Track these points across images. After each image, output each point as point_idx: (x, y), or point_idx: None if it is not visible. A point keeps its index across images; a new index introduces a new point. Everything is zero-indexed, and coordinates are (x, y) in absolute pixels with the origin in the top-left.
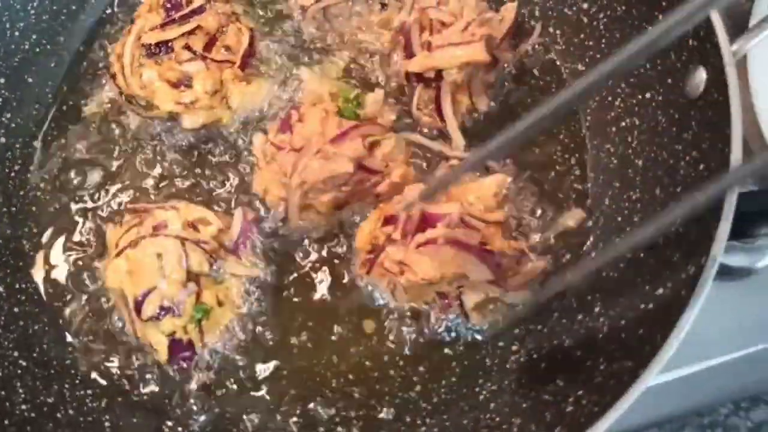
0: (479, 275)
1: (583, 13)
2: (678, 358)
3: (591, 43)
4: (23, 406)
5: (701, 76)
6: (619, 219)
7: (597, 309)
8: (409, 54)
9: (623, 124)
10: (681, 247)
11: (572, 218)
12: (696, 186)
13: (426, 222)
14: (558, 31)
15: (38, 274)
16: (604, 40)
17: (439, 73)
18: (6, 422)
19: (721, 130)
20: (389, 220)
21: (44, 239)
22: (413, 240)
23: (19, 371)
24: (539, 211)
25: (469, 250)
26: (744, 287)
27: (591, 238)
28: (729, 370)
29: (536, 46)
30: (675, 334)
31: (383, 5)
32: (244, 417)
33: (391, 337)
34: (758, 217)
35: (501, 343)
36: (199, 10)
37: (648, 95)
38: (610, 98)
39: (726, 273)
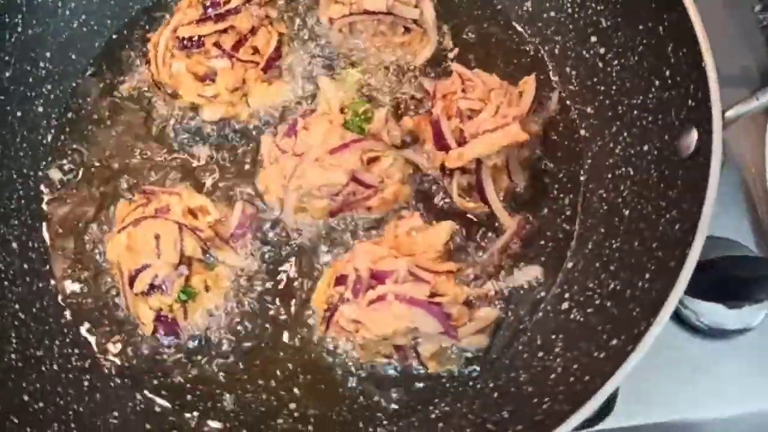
0: (429, 328)
1: (599, 57)
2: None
3: (602, 88)
4: (13, 356)
5: (693, 136)
6: (597, 265)
7: (557, 349)
8: (441, 145)
9: (618, 172)
10: (642, 303)
11: (529, 274)
12: (668, 246)
13: (376, 279)
14: (573, 72)
15: (48, 235)
16: (614, 87)
17: (477, 160)
18: None
19: (702, 195)
20: (340, 280)
21: (60, 200)
22: (365, 298)
23: (16, 323)
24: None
25: (417, 305)
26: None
27: (564, 285)
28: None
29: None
30: (603, 389)
31: (407, 29)
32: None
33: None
34: (755, 283)
35: (465, 368)
36: (235, 11)
37: (646, 147)
38: (611, 145)
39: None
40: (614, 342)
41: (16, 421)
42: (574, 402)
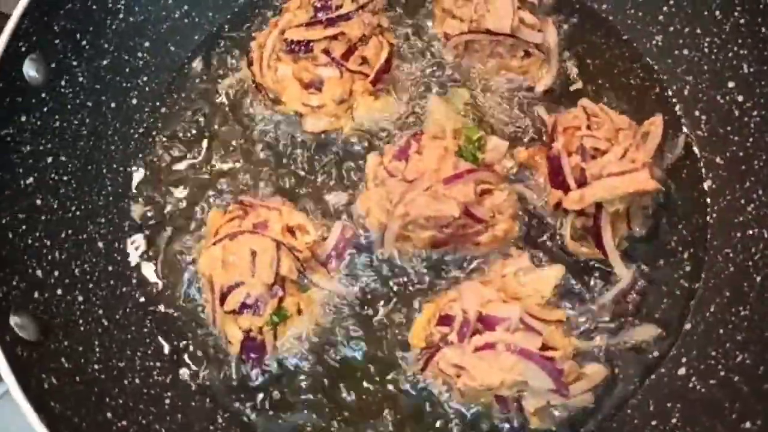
0: (540, 383)
1: (736, 105)
2: None
3: (736, 138)
4: (96, 366)
5: None
6: (721, 331)
7: (674, 420)
8: (557, 182)
9: (750, 232)
10: None
11: (646, 333)
12: None
13: (484, 324)
14: (704, 117)
15: (135, 237)
16: (751, 140)
17: (597, 204)
18: (77, 379)
19: None
20: (444, 320)
21: (148, 201)
22: (471, 343)
23: (100, 330)
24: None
25: (530, 358)
26: None
27: (681, 348)
28: None
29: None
30: None
31: (527, 53)
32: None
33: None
34: None
35: (568, 427)
36: (346, 17)
37: None
38: (742, 201)
39: None
40: (748, 425)
41: None
42: None
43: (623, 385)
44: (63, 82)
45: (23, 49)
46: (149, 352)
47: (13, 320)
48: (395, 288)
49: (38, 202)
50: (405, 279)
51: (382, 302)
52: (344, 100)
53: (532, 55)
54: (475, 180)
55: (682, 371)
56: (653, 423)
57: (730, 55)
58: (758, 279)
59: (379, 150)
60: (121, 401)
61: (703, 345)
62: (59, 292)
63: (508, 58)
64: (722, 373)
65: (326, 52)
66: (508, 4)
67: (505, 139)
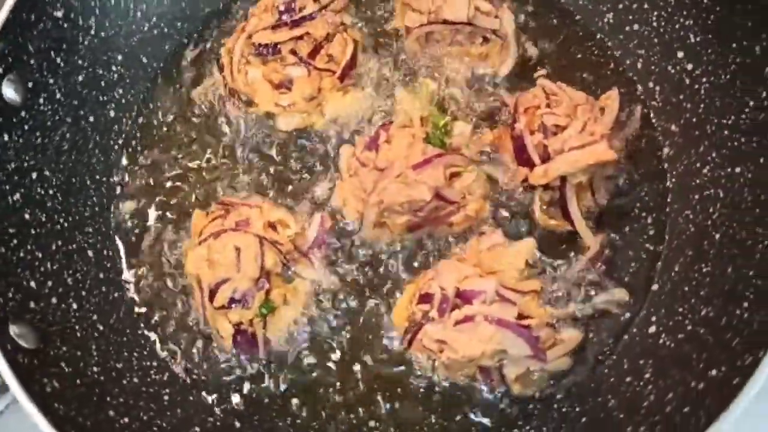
0: (518, 351)
1: (686, 73)
2: None
3: (688, 105)
4: (95, 368)
5: None
6: (686, 289)
7: (647, 375)
8: (523, 160)
9: (707, 193)
10: (742, 334)
11: (613, 296)
12: None
13: (462, 298)
14: (657, 88)
15: (121, 244)
16: (702, 105)
17: (562, 177)
18: (78, 381)
19: None
20: (424, 298)
21: (133, 208)
22: (451, 317)
23: (96, 334)
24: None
25: (507, 327)
26: None
27: (650, 308)
28: None
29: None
30: (721, 419)
31: (485, 39)
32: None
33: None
34: None
35: (548, 391)
36: (310, 17)
37: (738, 170)
38: (698, 165)
39: None
40: (713, 372)
41: None
42: None
43: (598, 347)
44: (41, 100)
45: (0, 71)
46: (145, 352)
47: (12, 330)
48: (376, 272)
49: (27, 216)
50: (385, 263)
51: (364, 287)
52: (314, 97)
53: (491, 40)
54: (444, 164)
55: (652, 329)
56: (628, 380)
57: (677, 26)
58: (717, 236)
59: (351, 142)
60: (121, 400)
61: (670, 303)
62: (54, 301)
63: (468, 45)
64: (689, 328)
65: (293, 52)
66: None
67: (470, 123)
